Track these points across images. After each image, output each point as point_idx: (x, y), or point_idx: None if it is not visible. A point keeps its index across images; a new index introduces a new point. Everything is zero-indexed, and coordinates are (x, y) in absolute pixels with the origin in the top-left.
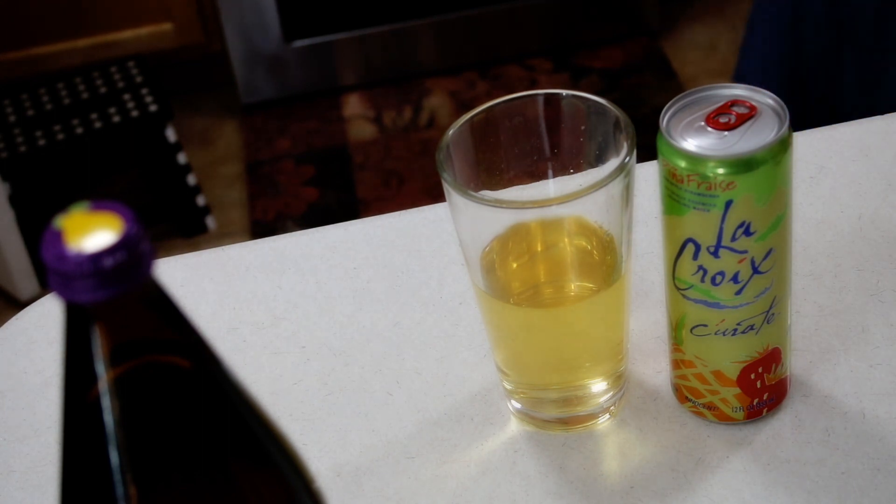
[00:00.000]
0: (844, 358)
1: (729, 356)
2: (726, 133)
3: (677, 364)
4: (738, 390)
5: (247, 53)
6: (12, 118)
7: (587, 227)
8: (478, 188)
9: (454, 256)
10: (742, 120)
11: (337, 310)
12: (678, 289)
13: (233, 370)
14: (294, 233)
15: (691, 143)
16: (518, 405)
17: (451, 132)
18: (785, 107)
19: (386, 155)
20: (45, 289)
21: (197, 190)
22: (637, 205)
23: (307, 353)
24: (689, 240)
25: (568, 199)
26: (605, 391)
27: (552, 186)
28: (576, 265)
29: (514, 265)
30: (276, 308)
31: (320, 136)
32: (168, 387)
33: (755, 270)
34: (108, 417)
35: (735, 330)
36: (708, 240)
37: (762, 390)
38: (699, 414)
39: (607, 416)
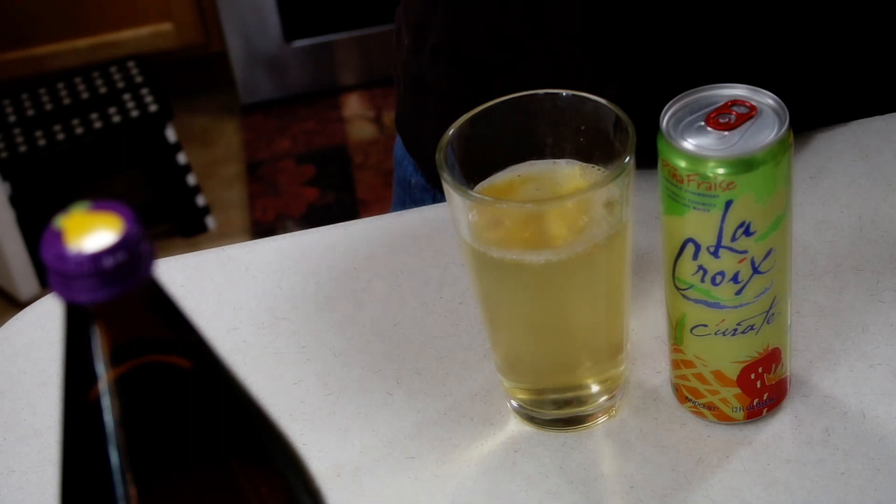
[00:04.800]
0: (844, 358)
1: (729, 356)
2: (726, 133)
3: (677, 364)
4: (738, 390)
5: (247, 53)
6: (12, 118)
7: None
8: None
9: (454, 256)
10: (742, 120)
11: (337, 310)
12: (678, 289)
13: (233, 370)
14: (294, 233)
15: (691, 143)
16: (518, 405)
17: (451, 132)
18: (785, 107)
19: (386, 155)
20: (45, 289)
21: (197, 190)
22: (637, 205)
23: (307, 353)
24: (689, 240)
25: (567, 199)
26: (605, 391)
27: None
28: None
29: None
30: (276, 308)
31: (320, 136)
32: (168, 387)
33: (755, 270)
34: (108, 417)
35: (735, 330)
36: (708, 240)
37: (762, 390)
38: (699, 414)
39: (607, 416)
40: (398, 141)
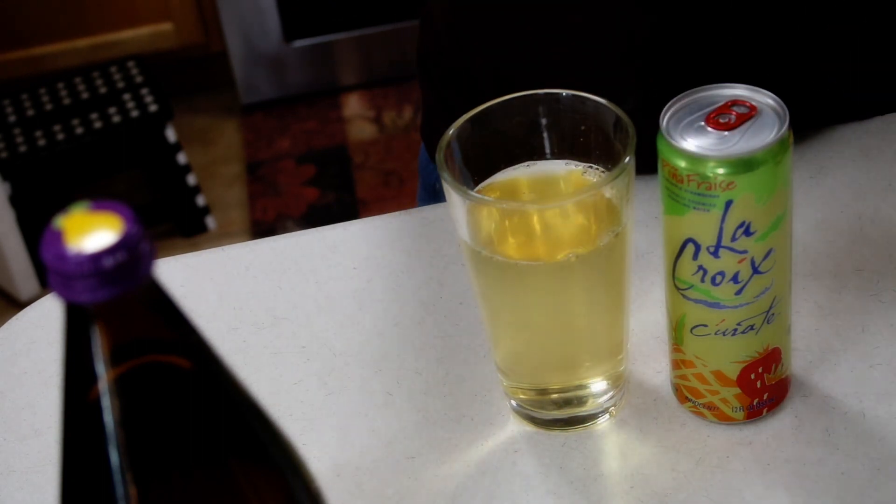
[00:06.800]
0: (844, 358)
1: (729, 356)
2: (726, 133)
3: (677, 364)
4: (738, 390)
5: (247, 53)
6: (12, 118)
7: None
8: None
9: (454, 256)
10: (742, 120)
11: (337, 310)
12: (678, 289)
13: (233, 370)
14: (294, 233)
15: (691, 143)
16: (518, 405)
17: (450, 132)
18: (785, 107)
19: (386, 155)
20: (45, 289)
21: (197, 190)
22: (637, 205)
23: (307, 353)
24: (689, 240)
25: (568, 199)
26: (605, 391)
27: None
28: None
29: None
30: (276, 308)
31: (320, 136)
32: (168, 387)
33: (755, 270)
34: (108, 417)
35: (735, 330)
36: (708, 240)
37: (762, 390)
38: (699, 414)
39: (607, 416)
40: (422, 147)
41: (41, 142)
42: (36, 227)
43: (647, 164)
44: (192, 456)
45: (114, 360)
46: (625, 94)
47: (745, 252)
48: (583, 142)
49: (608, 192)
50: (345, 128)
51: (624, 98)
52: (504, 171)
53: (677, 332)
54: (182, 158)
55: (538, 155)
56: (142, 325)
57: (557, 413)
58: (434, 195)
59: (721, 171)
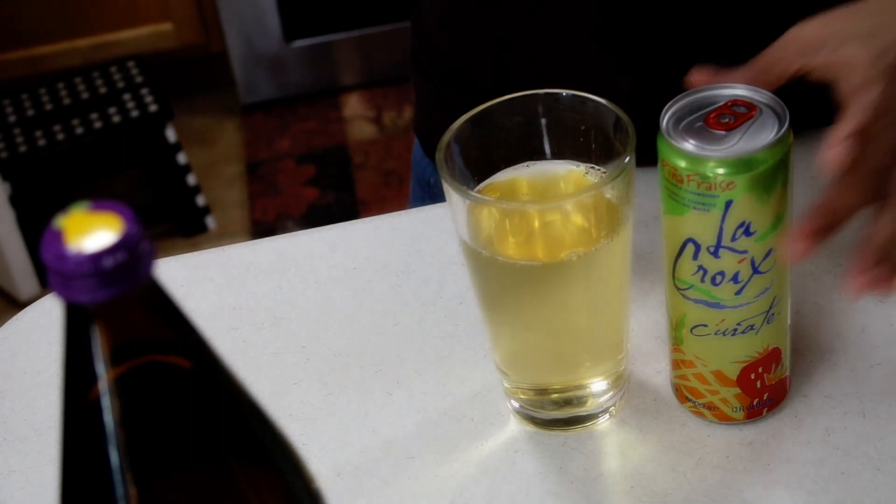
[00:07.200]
0: (844, 358)
1: (729, 356)
2: (726, 133)
3: (677, 364)
4: (738, 390)
5: (247, 53)
6: (12, 118)
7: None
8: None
9: (454, 256)
10: (742, 120)
11: (337, 310)
12: (678, 289)
13: (233, 370)
14: (294, 233)
15: (691, 143)
16: (518, 405)
17: (451, 132)
18: (785, 107)
19: (386, 155)
20: (45, 289)
21: (197, 190)
22: (637, 205)
23: (307, 353)
24: (689, 240)
25: (568, 199)
26: (606, 391)
27: None
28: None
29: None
30: (276, 308)
31: (320, 136)
32: (168, 387)
33: (755, 270)
34: (108, 417)
35: (735, 330)
36: (708, 240)
37: (762, 390)
38: (699, 414)
39: (607, 416)
40: (416, 143)
41: (41, 142)
42: (36, 227)
43: (645, 157)
44: (192, 456)
45: (114, 360)
46: (622, 90)
47: (745, 252)
48: (583, 142)
49: (608, 192)
50: (345, 128)
51: (620, 95)
52: (504, 171)
53: (677, 332)
54: (182, 158)
55: (538, 155)
56: (142, 325)
57: (557, 413)
58: (428, 189)
59: (721, 171)
